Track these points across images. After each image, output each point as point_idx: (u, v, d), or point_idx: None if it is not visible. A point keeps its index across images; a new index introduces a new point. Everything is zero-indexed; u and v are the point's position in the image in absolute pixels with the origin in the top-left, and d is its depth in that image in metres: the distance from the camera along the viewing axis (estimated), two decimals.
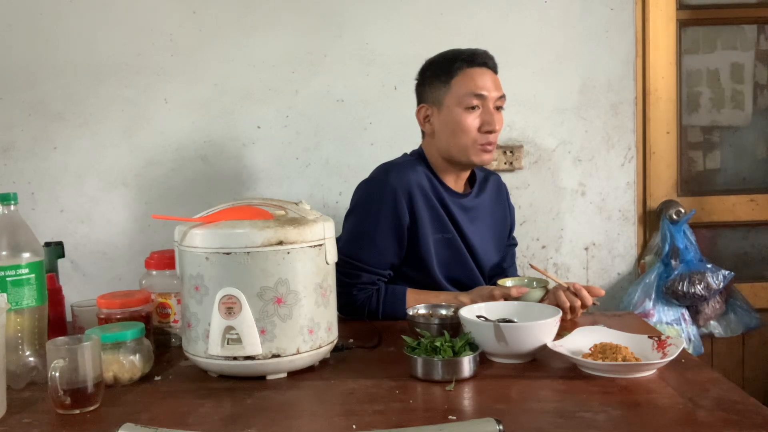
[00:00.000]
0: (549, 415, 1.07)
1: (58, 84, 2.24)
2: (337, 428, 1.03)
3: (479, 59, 1.71)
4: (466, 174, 1.82)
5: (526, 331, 1.30)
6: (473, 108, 1.68)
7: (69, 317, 1.59)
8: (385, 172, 1.73)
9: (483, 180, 1.87)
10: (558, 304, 1.54)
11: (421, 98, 1.79)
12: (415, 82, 1.80)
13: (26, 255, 1.27)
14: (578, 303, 1.59)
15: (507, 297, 1.57)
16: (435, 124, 1.75)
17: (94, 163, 2.27)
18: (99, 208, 2.28)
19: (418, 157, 1.79)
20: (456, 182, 1.79)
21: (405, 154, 1.85)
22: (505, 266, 1.91)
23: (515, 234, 1.99)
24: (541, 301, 1.61)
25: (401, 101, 2.22)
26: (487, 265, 1.82)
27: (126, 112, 2.26)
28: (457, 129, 1.69)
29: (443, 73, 1.72)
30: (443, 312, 1.51)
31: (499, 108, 1.72)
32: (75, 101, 2.25)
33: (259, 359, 1.22)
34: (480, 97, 1.68)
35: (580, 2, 2.30)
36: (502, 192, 1.92)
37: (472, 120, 1.69)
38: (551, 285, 1.66)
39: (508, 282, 1.69)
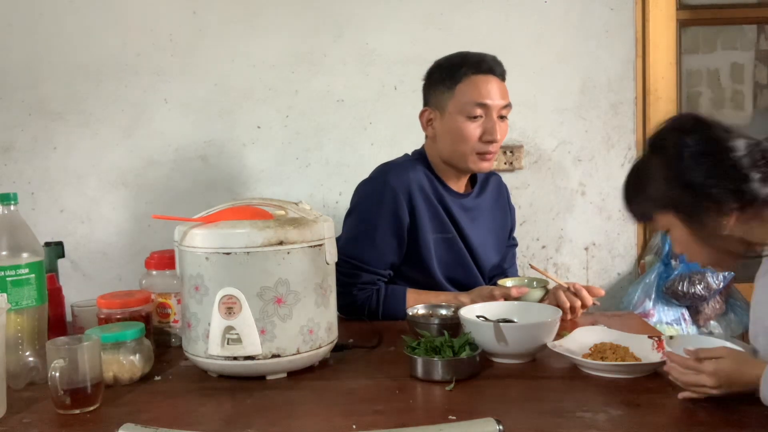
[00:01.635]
0: (549, 415, 1.07)
1: (58, 84, 2.24)
2: (337, 428, 1.03)
3: (485, 66, 1.68)
4: (467, 175, 1.81)
5: (526, 331, 1.30)
6: (476, 117, 1.66)
7: (69, 317, 1.59)
8: (384, 172, 1.73)
9: (484, 180, 1.87)
10: (558, 304, 1.55)
11: (426, 100, 1.77)
12: (422, 82, 1.79)
13: (26, 255, 1.27)
14: (578, 303, 1.59)
15: (507, 297, 1.57)
16: (437, 129, 1.73)
17: (94, 163, 2.27)
18: (99, 208, 2.28)
19: (419, 157, 1.79)
20: (456, 183, 1.79)
21: (406, 155, 1.84)
22: (505, 267, 1.91)
23: (515, 234, 1.99)
24: (541, 301, 1.61)
25: (401, 101, 2.23)
26: (486, 266, 1.82)
27: (126, 112, 2.26)
28: (457, 137, 1.68)
29: (448, 77, 1.69)
30: (443, 312, 1.51)
31: (503, 117, 1.70)
32: (75, 101, 2.25)
33: (259, 359, 1.22)
34: (483, 106, 1.66)
35: (580, 2, 2.30)
36: (502, 192, 1.92)
37: (474, 129, 1.67)
38: (551, 285, 1.66)
39: (508, 282, 1.69)
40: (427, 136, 1.80)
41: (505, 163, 2.31)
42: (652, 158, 1.14)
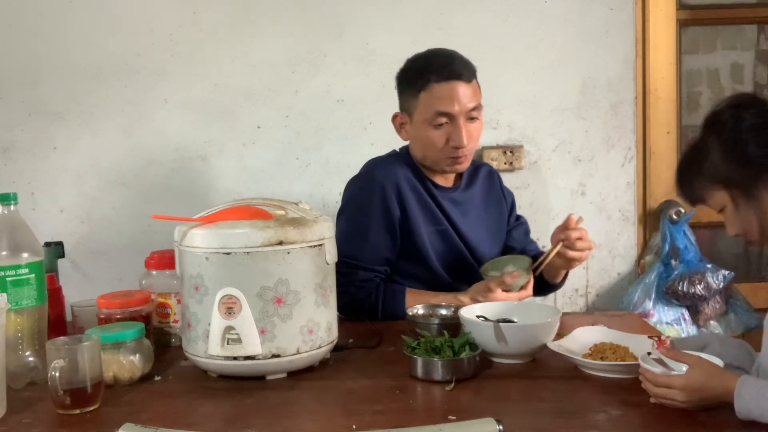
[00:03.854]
0: (549, 415, 1.07)
1: (58, 84, 2.24)
2: (337, 428, 1.04)
3: (448, 71, 1.63)
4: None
5: (526, 331, 1.30)
6: (440, 125, 1.65)
7: (69, 317, 1.59)
8: (372, 168, 1.74)
9: (472, 172, 1.84)
10: (573, 258, 1.58)
11: (399, 103, 1.76)
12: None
13: (26, 255, 1.27)
14: (581, 242, 1.58)
15: (503, 286, 1.56)
16: (409, 133, 1.74)
17: (94, 163, 2.27)
18: (99, 208, 2.28)
19: (407, 153, 1.79)
20: (443, 178, 1.78)
21: (393, 151, 1.84)
22: (521, 248, 1.87)
23: (519, 213, 1.96)
24: (527, 284, 1.60)
25: None
26: (483, 258, 1.80)
27: (126, 112, 2.26)
28: (425, 144, 1.69)
29: (413, 84, 1.68)
30: (443, 312, 1.51)
31: (473, 119, 1.67)
32: (75, 101, 2.25)
33: (259, 359, 1.22)
34: (446, 114, 1.64)
35: (580, 2, 2.30)
36: (494, 181, 1.90)
37: (439, 136, 1.66)
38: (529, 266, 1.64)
39: (489, 268, 1.68)
40: None
41: (505, 163, 2.31)
42: (709, 137, 1.15)
